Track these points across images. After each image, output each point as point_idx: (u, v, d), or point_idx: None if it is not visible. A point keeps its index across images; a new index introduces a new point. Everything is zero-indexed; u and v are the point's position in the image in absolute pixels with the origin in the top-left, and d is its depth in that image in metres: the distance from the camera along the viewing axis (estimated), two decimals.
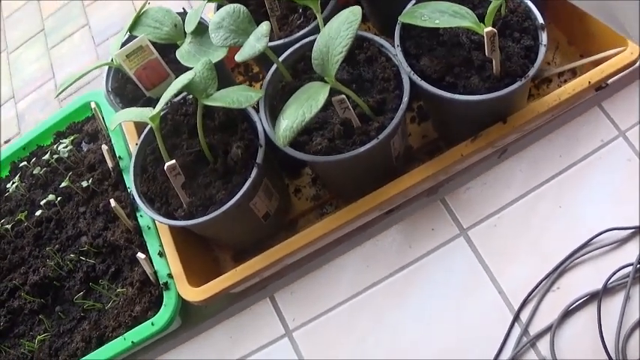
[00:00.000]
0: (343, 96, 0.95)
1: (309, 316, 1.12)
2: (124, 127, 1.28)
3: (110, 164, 1.24)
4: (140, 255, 1.07)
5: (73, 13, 2.02)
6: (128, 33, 1.17)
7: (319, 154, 0.98)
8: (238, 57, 0.99)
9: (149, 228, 1.16)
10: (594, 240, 1.00)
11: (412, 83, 0.98)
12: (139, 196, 1.06)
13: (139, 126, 1.23)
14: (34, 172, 1.35)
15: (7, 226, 1.30)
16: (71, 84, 1.14)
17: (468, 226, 1.08)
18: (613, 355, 0.90)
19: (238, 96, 0.98)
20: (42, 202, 1.29)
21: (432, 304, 1.05)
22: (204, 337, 1.17)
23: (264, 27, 0.98)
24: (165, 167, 0.98)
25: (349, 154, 0.95)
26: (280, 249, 1.05)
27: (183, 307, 1.11)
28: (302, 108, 0.92)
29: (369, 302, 1.09)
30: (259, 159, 1.00)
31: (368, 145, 0.95)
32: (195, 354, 1.16)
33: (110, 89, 1.20)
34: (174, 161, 0.98)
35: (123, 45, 1.13)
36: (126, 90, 1.19)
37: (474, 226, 1.08)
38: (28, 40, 2.06)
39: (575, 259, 1.00)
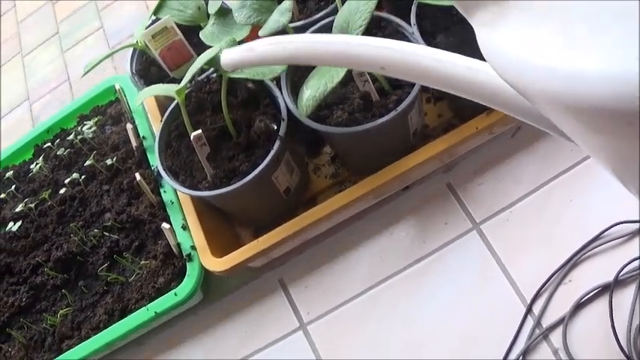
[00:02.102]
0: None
1: (323, 310, 1.13)
2: (147, 108, 1.31)
3: (134, 143, 1.28)
4: (165, 225, 1.10)
5: (88, 17, 2.06)
6: (153, 16, 1.21)
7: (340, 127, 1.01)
8: (262, 31, 1.02)
9: (172, 203, 1.18)
10: (605, 233, 1.00)
11: None
12: (165, 170, 1.10)
13: (162, 107, 1.27)
14: (57, 153, 1.38)
15: (30, 205, 1.32)
16: (97, 64, 1.18)
17: (480, 220, 1.09)
18: (625, 347, 0.90)
19: (262, 69, 1.01)
20: (66, 181, 1.31)
21: (445, 298, 1.06)
22: (219, 330, 1.18)
23: (287, 3, 1.02)
24: (192, 137, 1.01)
25: (370, 124, 0.98)
26: (301, 220, 1.07)
27: (204, 283, 1.14)
28: (324, 78, 0.96)
29: (383, 295, 1.10)
30: (282, 131, 1.04)
31: (387, 117, 0.98)
32: (209, 351, 1.17)
33: (134, 71, 1.24)
34: (200, 131, 1.02)
35: (148, 27, 1.17)
36: (150, 72, 1.23)
37: (486, 220, 1.09)
38: (43, 43, 2.09)
39: (587, 252, 1.00)
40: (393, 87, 1.03)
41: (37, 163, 1.38)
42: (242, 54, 0.70)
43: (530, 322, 0.99)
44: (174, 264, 1.14)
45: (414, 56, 0.56)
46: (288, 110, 1.05)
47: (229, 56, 0.71)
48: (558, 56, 0.39)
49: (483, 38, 0.45)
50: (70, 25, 2.09)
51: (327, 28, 1.06)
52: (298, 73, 1.09)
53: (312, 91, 0.96)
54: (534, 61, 0.40)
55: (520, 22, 0.42)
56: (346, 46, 0.60)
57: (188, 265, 1.12)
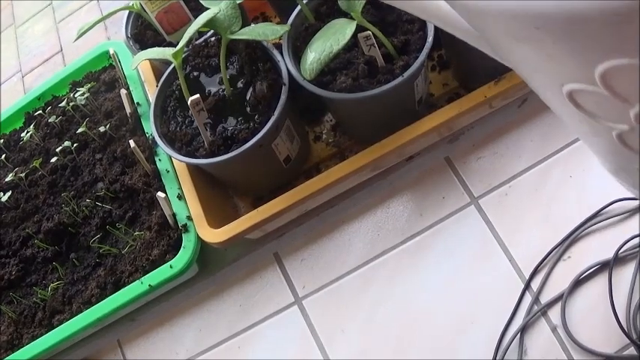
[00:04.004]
0: (369, 32, 0.95)
1: (319, 284, 1.11)
2: (142, 74, 1.27)
3: (128, 110, 1.23)
4: (160, 194, 1.06)
5: None
6: None
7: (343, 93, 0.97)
8: None
9: (168, 172, 1.14)
10: (605, 210, 0.99)
11: None
12: (160, 137, 1.05)
13: (158, 73, 1.22)
14: (49, 121, 1.33)
15: (20, 174, 1.28)
16: (91, 27, 1.13)
17: (479, 194, 1.08)
18: (624, 324, 0.90)
19: (264, 30, 0.97)
20: (57, 150, 1.27)
21: (443, 273, 1.04)
22: (214, 304, 1.16)
23: None
24: (189, 101, 0.97)
25: (376, 90, 0.94)
26: (302, 190, 1.03)
27: (200, 255, 1.10)
28: (329, 41, 0.92)
29: (380, 270, 1.08)
30: (283, 96, 1.00)
31: (394, 83, 0.94)
32: (204, 326, 1.16)
33: (129, 35, 1.19)
34: (198, 95, 0.97)
35: None
36: (146, 36, 1.19)
37: (485, 194, 1.08)
38: (36, 14, 2.05)
39: (586, 228, 1.00)
40: (400, 52, 0.99)
41: (27, 132, 1.33)
42: None
43: (528, 299, 0.98)
44: (169, 235, 1.10)
45: None
46: (290, 76, 1.01)
47: None
48: None
49: None
50: None
51: None
52: (300, 38, 1.05)
53: (317, 53, 0.92)
54: None
55: None
56: None
57: (184, 236, 1.08)
